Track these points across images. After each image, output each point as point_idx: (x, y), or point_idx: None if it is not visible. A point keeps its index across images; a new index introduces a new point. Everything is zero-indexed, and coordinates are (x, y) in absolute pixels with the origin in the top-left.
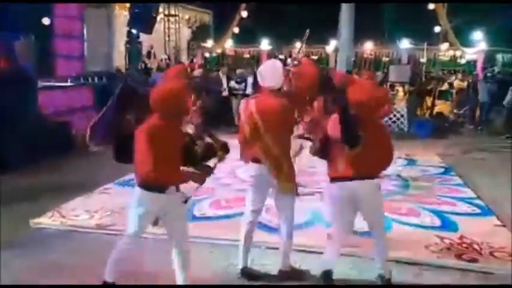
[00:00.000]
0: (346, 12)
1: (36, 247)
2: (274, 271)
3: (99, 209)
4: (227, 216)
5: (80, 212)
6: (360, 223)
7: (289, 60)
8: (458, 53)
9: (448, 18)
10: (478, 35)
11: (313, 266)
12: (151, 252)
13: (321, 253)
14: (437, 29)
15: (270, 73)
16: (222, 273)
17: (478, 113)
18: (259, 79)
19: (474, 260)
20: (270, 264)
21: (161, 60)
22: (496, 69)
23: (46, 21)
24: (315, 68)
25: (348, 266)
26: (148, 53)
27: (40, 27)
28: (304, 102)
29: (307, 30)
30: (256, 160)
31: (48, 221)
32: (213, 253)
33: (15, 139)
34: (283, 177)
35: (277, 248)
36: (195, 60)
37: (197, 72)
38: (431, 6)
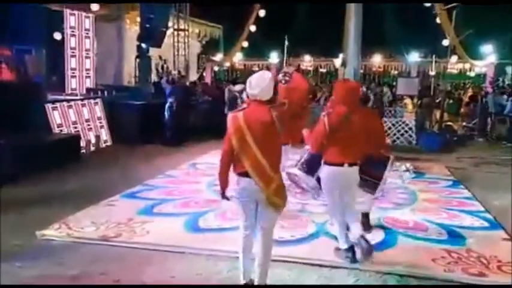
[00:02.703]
0: (353, 25)
1: (42, 259)
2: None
3: (105, 221)
4: (233, 228)
5: (86, 224)
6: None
7: (280, 76)
8: (467, 66)
9: (457, 32)
10: (487, 48)
11: (312, 279)
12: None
13: (322, 266)
14: (445, 42)
15: (259, 84)
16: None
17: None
18: (247, 90)
19: (481, 274)
20: (272, 276)
21: (174, 74)
22: (507, 81)
23: (58, 36)
24: (305, 81)
25: (353, 279)
26: (162, 67)
27: (52, 42)
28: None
29: (286, 40)
30: (244, 174)
31: (54, 232)
32: (218, 266)
33: (23, 150)
34: (271, 191)
35: (279, 261)
36: (204, 74)
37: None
38: (438, 20)
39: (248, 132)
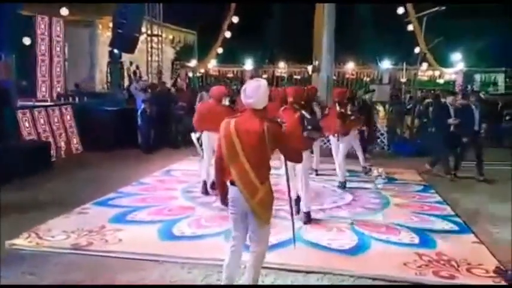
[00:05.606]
0: (326, 32)
1: (12, 269)
2: None
3: (76, 229)
4: (207, 236)
5: (56, 233)
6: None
7: None
8: (437, 73)
9: (427, 40)
10: (456, 56)
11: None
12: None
13: (297, 271)
14: (417, 49)
15: (255, 93)
16: None
17: None
18: (242, 98)
19: (452, 277)
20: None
21: (144, 80)
22: (475, 87)
23: (27, 41)
24: None
25: (327, 283)
26: (135, 72)
27: (22, 47)
28: None
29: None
30: (233, 182)
31: (24, 242)
32: (191, 273)
33: None
34: (255, 203)
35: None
36: (178, 80)
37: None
38: (410, 27)
39: (237, 140)
